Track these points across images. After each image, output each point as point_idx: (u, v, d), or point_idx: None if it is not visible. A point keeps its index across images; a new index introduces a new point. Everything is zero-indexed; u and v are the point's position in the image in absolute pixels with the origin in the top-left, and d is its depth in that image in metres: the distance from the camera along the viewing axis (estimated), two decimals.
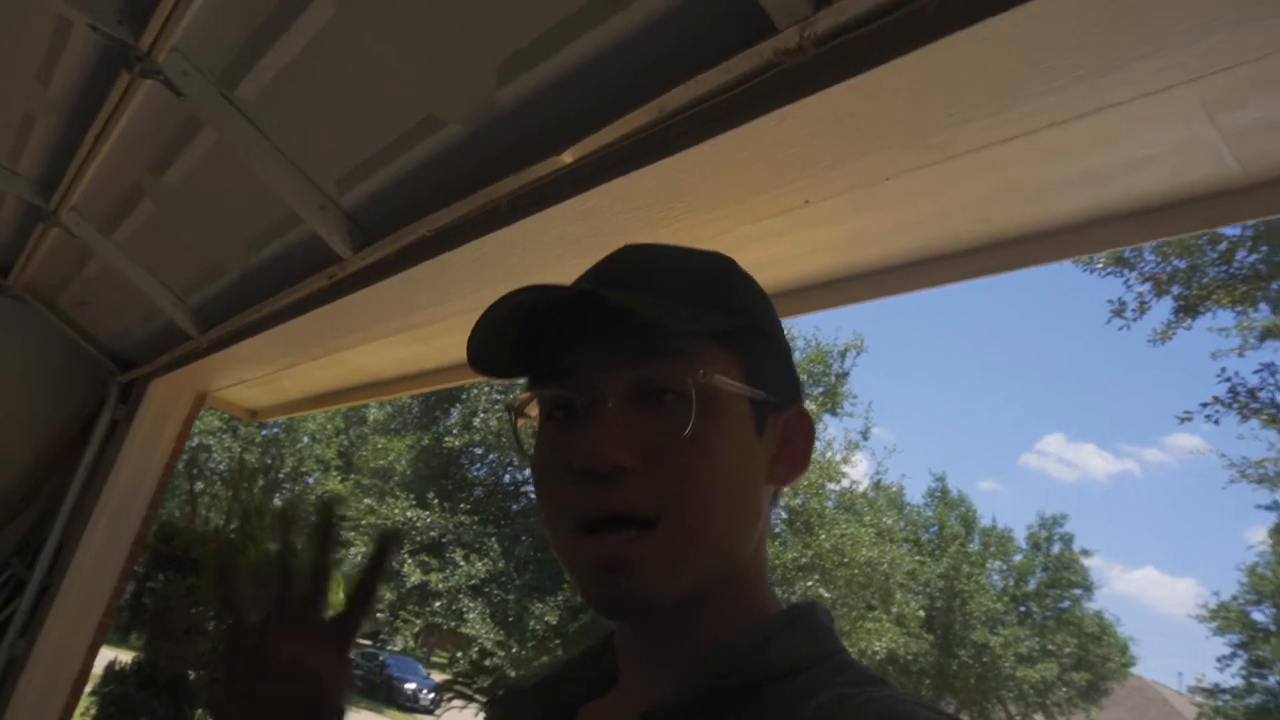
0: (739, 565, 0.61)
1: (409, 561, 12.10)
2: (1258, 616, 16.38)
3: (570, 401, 0.59)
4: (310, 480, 19.63)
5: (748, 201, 1.23)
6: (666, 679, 0.60)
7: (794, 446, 0.64)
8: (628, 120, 1.06)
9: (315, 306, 1.89)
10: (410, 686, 21.95)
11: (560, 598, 11.73)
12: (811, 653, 0.59)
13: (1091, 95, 0.94)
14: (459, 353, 2.40)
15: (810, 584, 12.22)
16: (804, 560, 12.11)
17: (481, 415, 12.82)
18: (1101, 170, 1.17)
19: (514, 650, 11.62)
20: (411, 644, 13.28)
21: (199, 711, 4.32)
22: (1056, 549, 21.60)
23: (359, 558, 13.00)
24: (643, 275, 0.64)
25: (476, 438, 12.99)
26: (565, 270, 1.45)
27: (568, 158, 1.16)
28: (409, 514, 12.49)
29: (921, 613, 16.15)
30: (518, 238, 1.37)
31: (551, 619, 11.56)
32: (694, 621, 0.61)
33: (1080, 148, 1.10)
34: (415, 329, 2.06)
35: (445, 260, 1.52)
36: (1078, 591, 20.87)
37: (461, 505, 13.01)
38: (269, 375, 2.95)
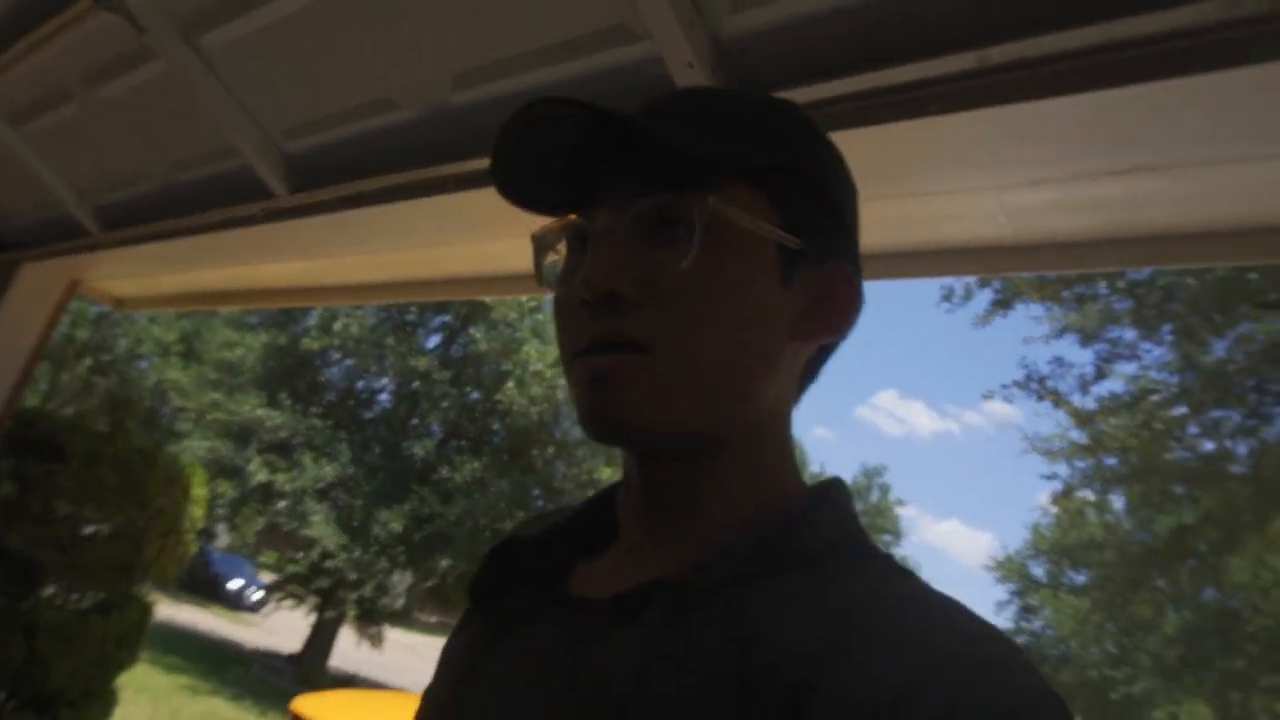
0: (748, 417, 0.58)
1: (256, 459, 11.90)
2: (1034, 570, 18.60)
3: (587, 231, 0.58)
4: (144, 365, 18.62)
5: None
6: (670, 547, 0.58)
7: (830, 305, 0.61)
8: None
9: (238, 227, 2.04)
10: (236, 584, 21.54)
11: (407, 506, 11.90)
12: (837, 535, 0.57)
13: (921, 185, 1.29)
14: (367, 274, 2.57)
15: None
16: None
17: (343, 320, 12.60)
18: (926, 220, 1.53)
19: (356, 554, 11.75)
20: (241, 541, 13.10)
21: (48, 591, 4.34)
22: (875, 497, 23.59)
23: (198, 450, 12.63)
24: (685, 107, 0.62)
25: (335, 342, 12.78)
26: (496, 232, 1.70)
27: None
28: (258, 412, 12.23)
29: None
30: (458, 204, 1.60)
31: (397, 526, 11.73)
32: (705, 478, 0.59)
33: (911, 210, 1.44)
34: (335, 257, 2.23)
35: (381, 210, 1.72)
36: (887, 538, 22.98)
37: (313, 409, 12.84)
38: (158, 272, 3.00)
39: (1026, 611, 18.93)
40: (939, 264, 1.64)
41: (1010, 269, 1.62)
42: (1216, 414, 7.86)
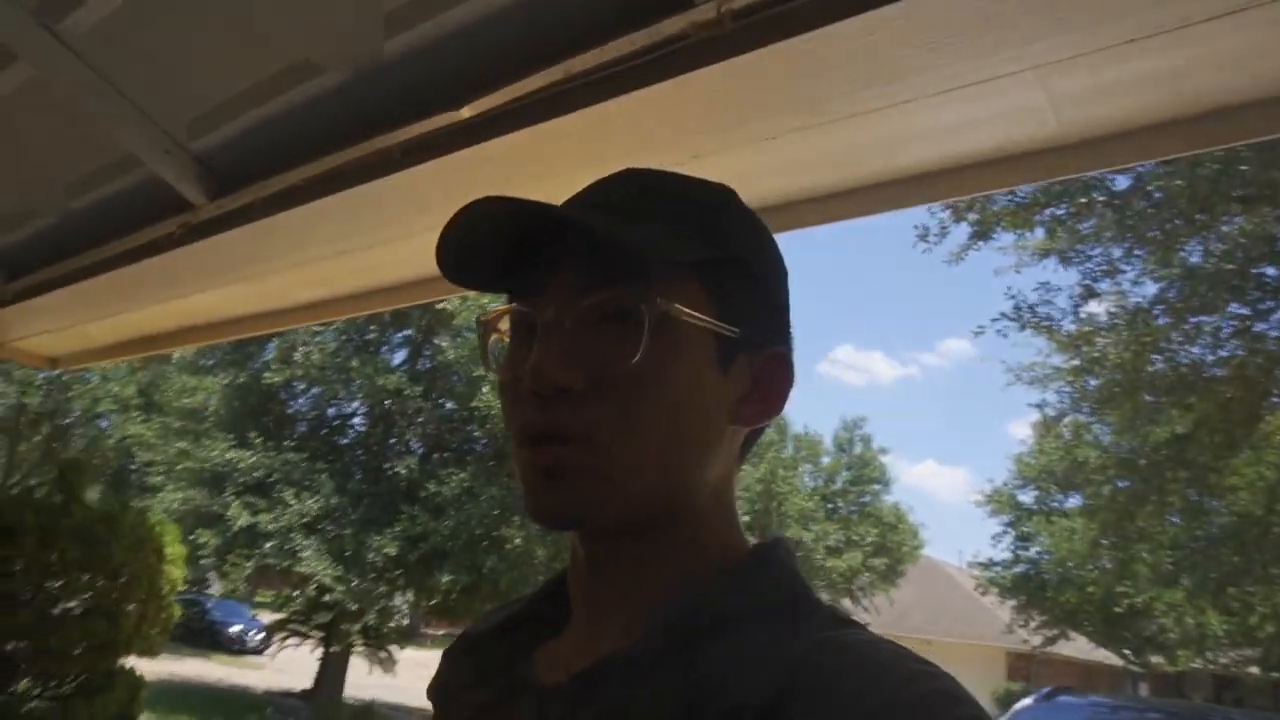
0: (689, 500, 0.61)
1: (235, 504, 11.46)
2: (1023, 499, 18.66)
3: (533, 319, 0.59)
4: (104, 423, 17.99)
5: (639, 158, 1.26)
6: (619, 620, 0.60)
7: (766, 388, 0.63)
8: (532, 80, 1.05)
9: (158, 254, 1.75)
10: (235, 629, 21.25)
11: (398, 528, 11.52)
12: (780, 595, 0.59)
13: (953, 78, 1.04)
14: (299, 295, 2.29)
15: None
16: None
17: (302, 349, 12.14)
18: (954, 129, 1.28)
19: (354, 584, 11.38)
20: (235, 588, 12.73)
21: (24, 683, 3.99)
22: (858, 449, 23.50)
23: (172, 503, 12.17)
24: (629, 199, 0.63)
25: (299, 372, 12.31)
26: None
27: (466, 113, 1.14)
28: (229, 455, 11.76)
29: (746, 517, 17.22)
30: (402, 186, 1.33)
31: (391, 550, 11.37)
32: (647, 553, 0.61)
33: (940, 116, 1.20)
34: (268, 276, 1.94)
35: (316, 207, 1.45)
36: (877, 486, 22.90)
37: (286, 443, 12.38)
38: (83, 321, 2.69)
39: (1022, 540, 19.05)
40: (980, 179, 1.41)
41: (1052, 173, 1.40)
42: (1203, 319, 7.72)
